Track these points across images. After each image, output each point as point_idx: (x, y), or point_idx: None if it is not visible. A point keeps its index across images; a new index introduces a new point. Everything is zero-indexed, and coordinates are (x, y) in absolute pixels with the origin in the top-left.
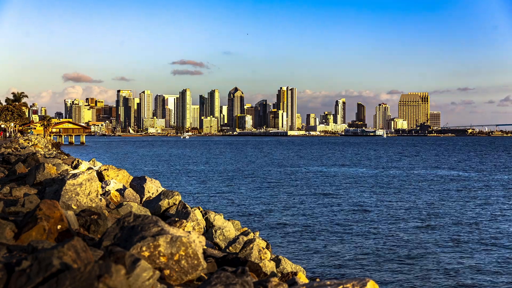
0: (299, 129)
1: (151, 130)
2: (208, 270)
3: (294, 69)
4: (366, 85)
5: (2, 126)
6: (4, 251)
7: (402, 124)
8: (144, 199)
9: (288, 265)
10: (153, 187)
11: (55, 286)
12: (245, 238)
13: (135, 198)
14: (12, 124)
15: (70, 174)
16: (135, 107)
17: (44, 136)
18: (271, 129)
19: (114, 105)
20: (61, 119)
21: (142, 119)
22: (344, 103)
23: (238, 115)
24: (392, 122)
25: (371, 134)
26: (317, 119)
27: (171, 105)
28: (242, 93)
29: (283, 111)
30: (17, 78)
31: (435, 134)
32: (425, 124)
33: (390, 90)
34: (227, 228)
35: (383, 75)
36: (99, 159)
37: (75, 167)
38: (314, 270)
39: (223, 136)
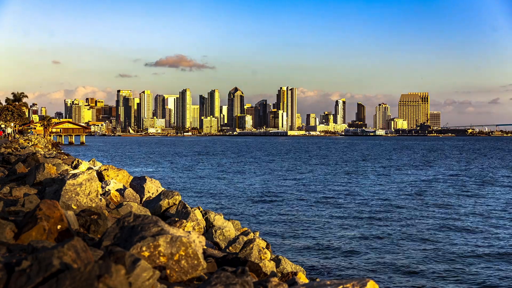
0: (299, 129)
1: (151, 130)
2: (208, 270)
3: (294, 69)
4: (366, 85)
5: (2, 126)
6: (4, 251)
7: (402, 124)
8: (144, 199)
9: (288, 265)
10: (153, 187)
11: (55, 286)
12: (245, 238)
13: (135, 198)
14: (12, 124)
15: (70, 174)
16: (135, 107)
17: (44, 136)
18: (271, 129)
19: (114, 105)
20: (61, 119)
21: (142, 119)
22: (344, 103)
23: (238, 115)
24: (392, 122)
25: (371, 134)
26: (317, 119)
27: (171, 105)
28: (242, 93)
29: (283, 111)
30: (17, 78)
31: (435, 134)
32: (425, 124)
33: (390, 90)
34: (227, 228)
35: (383, 75)
36: (99, 159)
37: (75, 167)
38: (314, 270)
39: (222, 136)
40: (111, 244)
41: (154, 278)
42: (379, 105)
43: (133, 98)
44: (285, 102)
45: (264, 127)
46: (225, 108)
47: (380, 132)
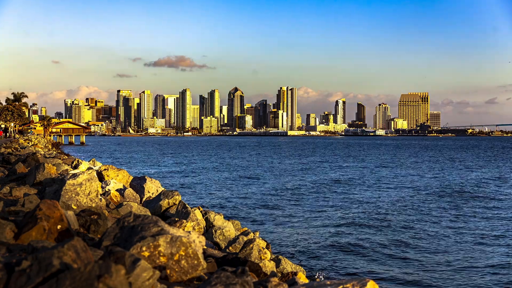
0: (299, 129)
1: (151, 130)
2: (208, 270)
3: (294, 69)
4: (366, 85)
5: (2, 126)
6: (4, 251)
7: (402, 124)
8: (144, 199)
9: (288, 265)
10: (153, 187)
11: (55, 286)
12: (245, 238)
13: (135, 198)
14: (12, 124)
15: (70, 174)
16: (135, 107)
17: (44, 136)
18: (271, 129)
19: (114, 105)
20: (61, 119)
21: (142, 119)
22: (344, 103)
23: (238, 115)
24: (392, 122)
25: (371, 134)
26: (317, 119)
27: (171, 105)
28: (242, 93)
29: (283, 111)
30: (17, 78)
31: (435, 134)
32: (425, 124)
33: (390, 90)
34: (227, 228)
35: (383, 75)
36: (99, 159)
37: (75, 167)
38: (314, 270)
39: (222, 136)
40: (111, 244)
41: (154, 278)
42: (379, 105)
43: (133, 98)
44: (285, 102)
45: (264, 127)
46: (225, 108)
47: (380, 132)
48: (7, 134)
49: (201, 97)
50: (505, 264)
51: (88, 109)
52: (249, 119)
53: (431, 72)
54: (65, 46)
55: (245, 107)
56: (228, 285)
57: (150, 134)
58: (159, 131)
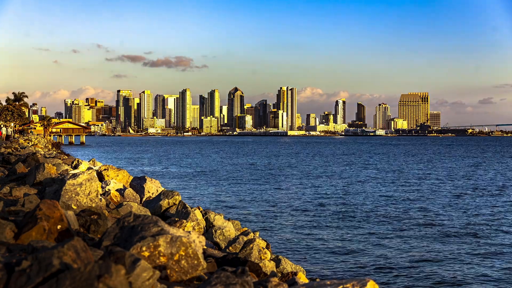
0: (299, 129)
1: (151, 130)
2: (208, 270)
3: (294, 69)
4: (366, 85)
5: (3, 126)
6: (4, 251)
7: (402, 124)
8: (144, 199)
9: (288, 265)
10: (153, 187)
11: (55, 286)
12: (245, 238)
13: (135, 198)
14: (12, 124)
15: (70, 174)
16: (135, 107)
17: (44, 136)
18: (271, 129)
19: (114, 105)
20: (61, 119)
21: (142, 119)
22: (344, 103)
23: (238, 115)
24: (392, 122)
25: (371, 134)
26: (317, 119)
27: (171, 105)
28: (242, 93)
29: (283, 111)
30: (17, 78)
31: (435, 134)
32: (425, 124)
33: (390, 90)
34: (227, 228)
35: (383, 74)
36: (99, 159)
37: (75, 167)
38: (314, 270)
39: (222, 136)
40: (111, 244)
41: (154, 278)
42: (379, 105)
43: (133, 98)
44: (285, 102)
45: (264, 127)
46: (225, 108)
47: (380, 132)
48: None
49: (201, 97)
50: (507, 264)
51: (88, 109)
52: (249, 119)
53: (432, 72)
54: (65, 46)
55: (245, 107)
56: (228, 285)
57: (150, 134)
58: (159, 131)
